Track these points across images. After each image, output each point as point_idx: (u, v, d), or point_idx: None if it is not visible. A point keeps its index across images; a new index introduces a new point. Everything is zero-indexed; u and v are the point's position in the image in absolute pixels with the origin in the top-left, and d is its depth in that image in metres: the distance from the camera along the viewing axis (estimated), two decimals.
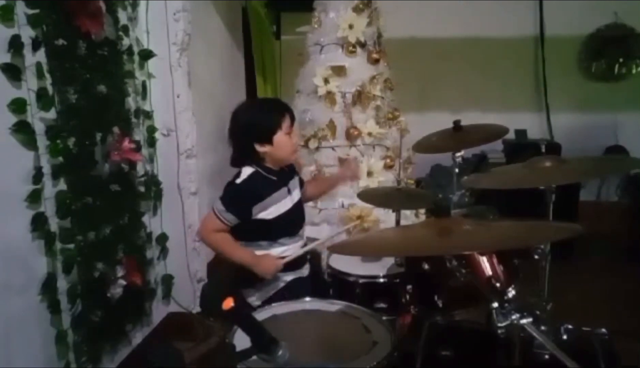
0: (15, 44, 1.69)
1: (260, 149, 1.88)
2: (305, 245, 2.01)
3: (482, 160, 3.78)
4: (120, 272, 2.21)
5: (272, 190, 1.90)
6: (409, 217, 2.76)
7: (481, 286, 1.28)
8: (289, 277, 1.95)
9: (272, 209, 1.89)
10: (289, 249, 1.94)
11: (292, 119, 1.92)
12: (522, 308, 1.13)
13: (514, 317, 1.12)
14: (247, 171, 1.90)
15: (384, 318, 1.46)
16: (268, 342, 1.10)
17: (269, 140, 1.87)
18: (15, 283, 1.73)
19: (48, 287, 1.84)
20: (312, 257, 2.11)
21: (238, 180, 1.89)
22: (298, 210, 2.01)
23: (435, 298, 1.46)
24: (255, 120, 1.89)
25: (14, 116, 1.71)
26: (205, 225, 1.93)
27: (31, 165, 1.79)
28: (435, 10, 4.28)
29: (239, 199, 1.87)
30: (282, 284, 1.94)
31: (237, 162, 1.95)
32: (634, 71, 4.25)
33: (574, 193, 3.71)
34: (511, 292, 1.23)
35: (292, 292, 1.86)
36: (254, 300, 1.93)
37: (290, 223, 1.97)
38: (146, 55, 2.52)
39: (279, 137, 1.87)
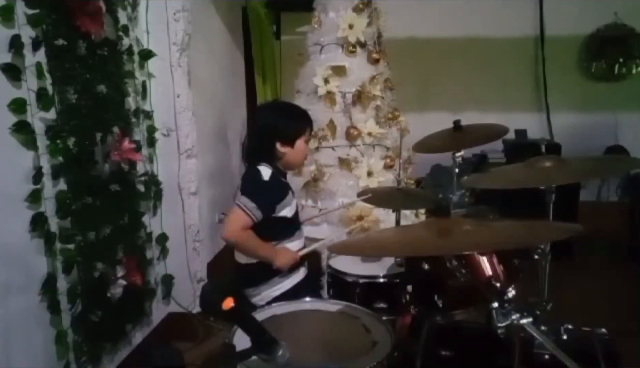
0: (15, 44, 1.69)
1: (281, 149, 1.93)
2: (304, 246, 2.04)
3: (482, 160, 3.77)
4: (120, 272, 2.21)
5: (287, 191, 1.97)
6: (409, 217, 2.76)
7: (481, 286, 1.28)
8: (288, 279, 1.96)
9: (287, 209, 1.94)
10: (294, 245, 1.98)
11: (311, 131, 2.05)
12: (522, 308, 1.13)
13: (514, 317, 1.12)
14: (266, 170, 1.91)
15: (384, 318, 1.45)
16: (268, 342, 1.10)
17: (291, 143, 1.94)
18: (15, 283, 1.73)
19: (48, 287, 1.84)
20: (311, 257, 2.11)
21: (265, 178, 1.89)
22: (297, 213, 2.05)
23: (435, 298, 1.46)
24: (284, 120, 1.96)
25: (14, 116, 1.71)
26: (233, 223, 1.86)
27: (31, 165, 1.78)
28: (435, 10, 4.28)
29: (269, 196, 1.90)
30: (283, 288, 1.95)
31: (253, 158, 1.96)
32: (634, 71, 4.25)
33: (574, 193, 3.70)
34: (511, 292, 1.22)
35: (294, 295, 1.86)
36: (256, 301, 1.94)
37: (296, 223, 2.02)
38: (146, 55, 2.52)
39: (300, 142, 1.96)
